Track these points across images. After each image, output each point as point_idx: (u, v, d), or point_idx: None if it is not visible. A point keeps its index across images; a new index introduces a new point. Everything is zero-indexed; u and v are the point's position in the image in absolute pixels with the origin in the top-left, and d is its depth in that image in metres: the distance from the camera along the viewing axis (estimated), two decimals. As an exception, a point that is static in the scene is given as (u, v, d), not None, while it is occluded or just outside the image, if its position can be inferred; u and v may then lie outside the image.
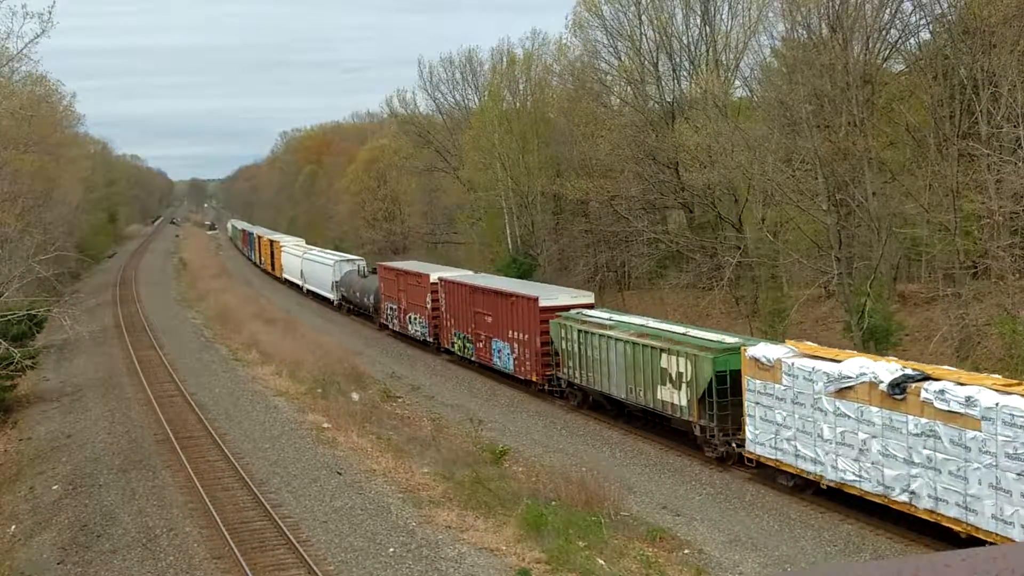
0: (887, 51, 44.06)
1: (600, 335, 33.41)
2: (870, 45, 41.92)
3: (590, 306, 37.79)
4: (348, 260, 68.43)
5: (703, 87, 50.65)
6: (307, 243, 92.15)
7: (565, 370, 36.04)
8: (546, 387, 38.03)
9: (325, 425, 32.69)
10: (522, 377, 39.72)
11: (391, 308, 55.25)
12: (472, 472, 26.69)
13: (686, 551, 22.31)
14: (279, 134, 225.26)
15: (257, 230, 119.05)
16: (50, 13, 35.68)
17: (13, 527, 25.95)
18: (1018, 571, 1.95)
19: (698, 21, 55.76)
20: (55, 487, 28.51)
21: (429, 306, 49.29)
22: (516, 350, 39.58)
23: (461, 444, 31.84)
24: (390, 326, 55.91)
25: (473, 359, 44.39)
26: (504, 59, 70.29)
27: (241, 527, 23.28)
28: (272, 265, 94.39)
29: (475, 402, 40.03)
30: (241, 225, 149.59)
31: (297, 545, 21.67)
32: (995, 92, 35.31)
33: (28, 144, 53.58)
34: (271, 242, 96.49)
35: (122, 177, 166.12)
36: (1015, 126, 34.18)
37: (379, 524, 23.01)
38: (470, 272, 51.35)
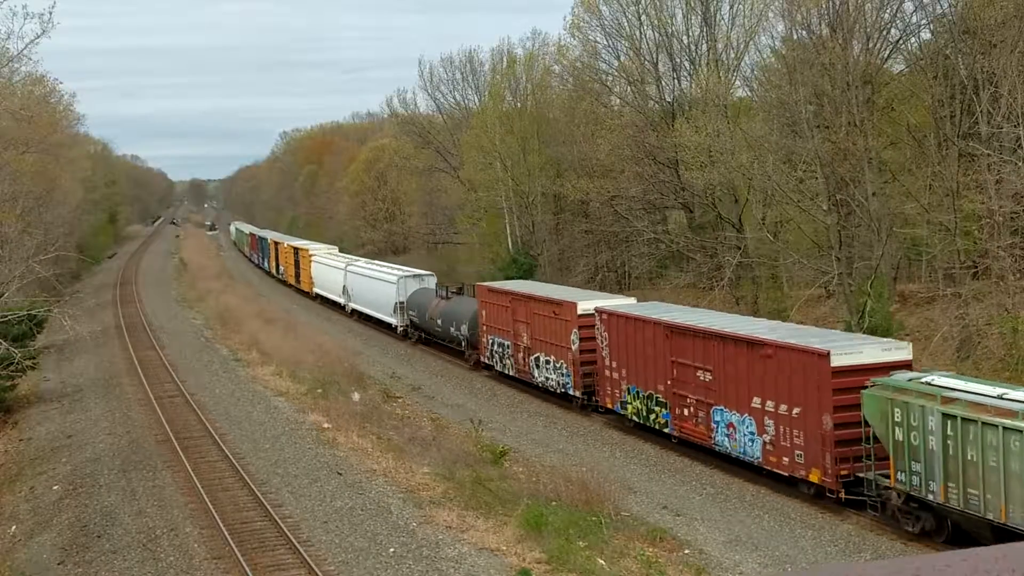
0: (887, 51, 44.07)
1: (1008, 427, 19.79)
2: (870, 45, 41.93)
3: (907, 365, 24.75)
4: (416, 276, 55.37)
5: (703, 87, 50.66)
6: (340, 250, 79.82)
7: (901, 476, 22.21)
8: (839, 495, 24.32)
9: (325, 425, 32.69)
10: (785, 474, 26.05)
11: (499, 344, 42.19)
12: (472, 472, 26.69)
13: (686, 551, 22.32)
14: (279, 134, 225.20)
15: (272, 235, 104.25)
16: (50, 14, 35.68)
17: (14, 527, 25.95)
18: (1018, 571, 1.95)
19: (698, 21, 55.78)
20: (55, 487, 28.51)
21: (576, 347, 36.10)
22: (774, 429, 26.15)
23: (461, 444, 31.84)
24: (496, 366, 42.73)
25: (674, 434, 30.89)
26: (504, 59, 70.39)
27: (241, 527, 23.28)
28: (297, 277, 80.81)
29: (475, 402, 40.03)
30: (247, 228, 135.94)
31: (297, 545, 21.67)
32: (995, 92, 35.31)
33: (28, 144, 53.57)
34: (295, 250, 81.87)
35: (122, 177, 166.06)
36: (1015, 126, 34.18)
37: (379, 524, 23.01)
38: (631, 300, 38.33)
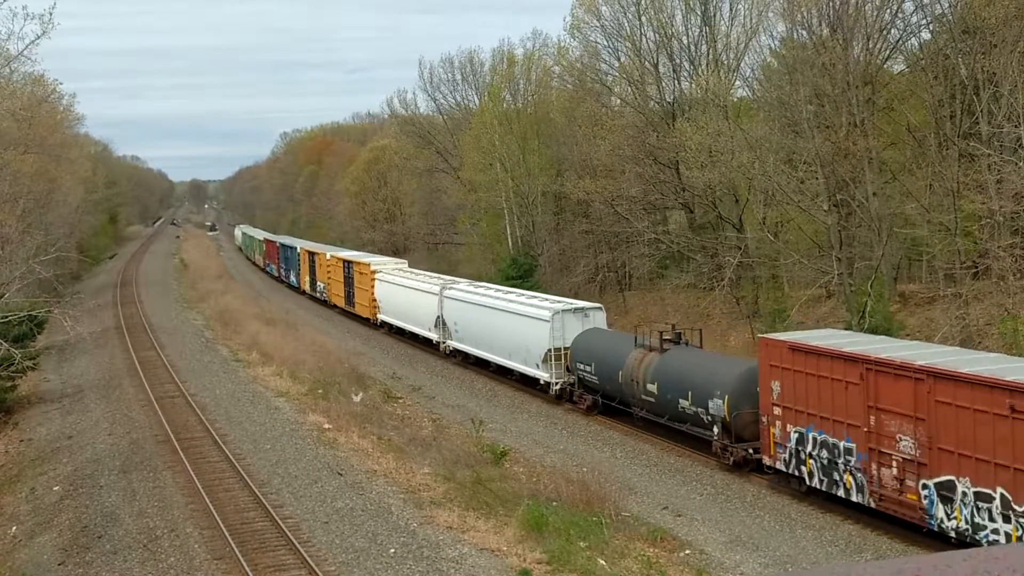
0: (888, 51, 44.07)
1: None
2: (871, 45, 41.93)
3: None
4: (577, 311, 38.85)
5: (704, 87, 50.66)
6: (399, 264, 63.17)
7: None
8: None
9: (326, 426, 32.69)
10: None
11: (820, 444, 25.02)
12: (473, 473, 26.69)
13: (687, 551, 22.31)
14: (280, 135, 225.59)
15: (303, 243, 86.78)
16: (51, 14, 35.75)
17: (14, 528, 25.96)
18: (1019, 571, 1.95)
19: (698, 21, 55.79)
20: (56, 488, 28.52)
21: None
22: None
23: (462, 445, 31.85)
24: (811, 480, 25.56)
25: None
26: (504, 60, 70.40)
27: (242, 528, 23.29)
28: (349, 298, 64.72)
29: (476, 403, 40.03)
30: (260, 233, 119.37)
31: (298, 546, 21.67)
32: (996, 92, 35.31)
33: (29, 145, 53.58)
34: (347, 263, 64.98)
35: (123, 178, 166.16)
36: (1016, 126, 34.17)
37: (380, 525, 23.01)
38: None
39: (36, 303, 42.98)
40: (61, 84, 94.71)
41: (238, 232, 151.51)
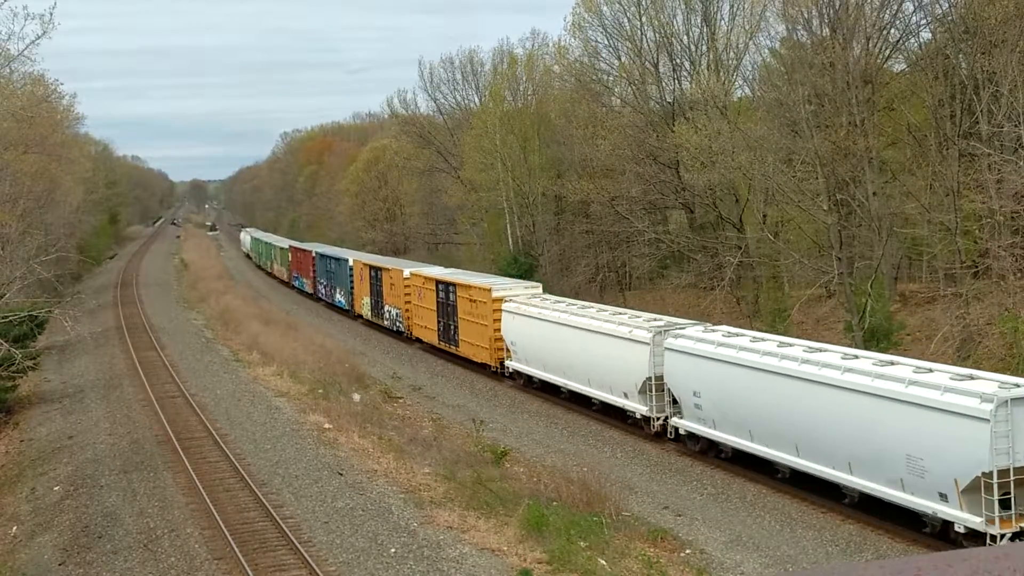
0: (888, 51, 44.08)
1: None
2: (870, 45, 41.94)
3: None
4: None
5: (704, 88, 50.67)
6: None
7: None
8: None
9: (326, 426, 32.69)
10: None
11: None
12: (473, 473, 26.69)
13: (688, 551, 22.31)
14: (280, 135, 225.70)
15: (357, 255, 70.29)
16: (51, 15, 35.75)
17: (15, 528, 25.96)
18: (1020, 571, 1.95)
19: (698, 21, 55.82)
20: (56, 488, 28.52)
21: None
22: None
23: (462, 445, 31.85)
24: None
25: None
26: (505, 60, 70.46)
27: (243, 528, 23.28)
28: (449, 333, 48.19)
29: (476, 402, 40.03)
30: (281, 241, 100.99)
31: (298, 546, 21.67)
32: (996, 91, 35.31)
33: (29, 145, 53.60)
34: (445, 287, 48.45)
35: (123, 178, 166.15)
36: (1016, 125, 34.17)
37: (380, 525, 23.01)
38: None
39: (37, 303, 43.00)
40: (61, 84, 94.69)
41: (245, 237, 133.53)
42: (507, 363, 42.21)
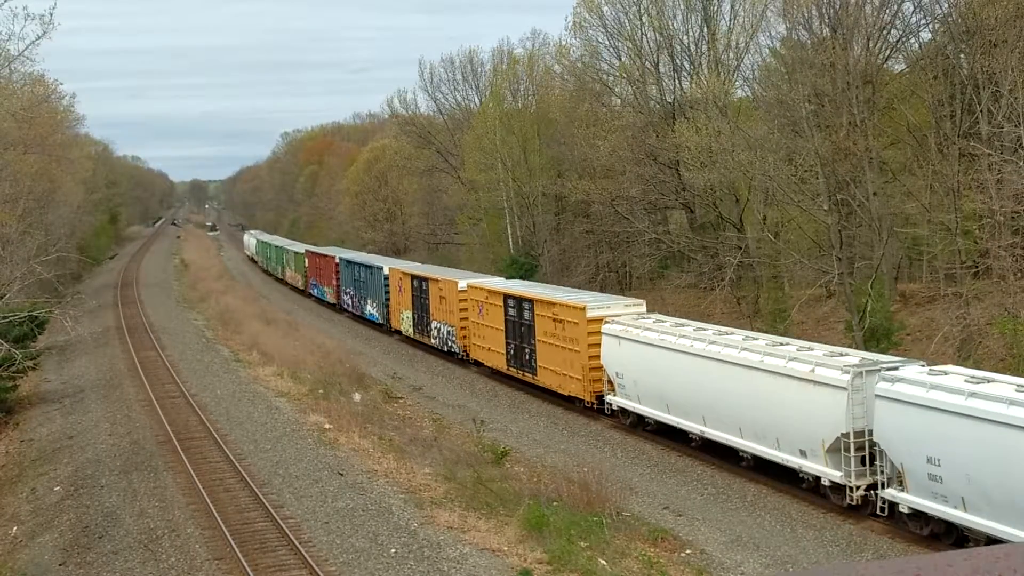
0: (888, 51, 44.07)
1: None
2: (870, 45, 41.94)
3: None
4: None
5: (704, 88, 50.67)
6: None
7: None
8: None
9: (327, 426, 32.69)
10: None
11: None
12: (474, 473, 26.69)
13: (688, 552, 22.31)
14: (280, 135, 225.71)
15: (394, 263, 62.45)
16: (51, 15, 35.73)
17: (15, 528, 25.96)
18: (1020, 571, 1.96)
19: (699, 21, 55.82)
20: (57, 488, 28.52)
21: None
22: None
23: (463, 445, 31.84)
24: None
25: None
26: (505, 59, 70.49)
27: (243, 528, 23.29)
28: (518, 357, 40.66)
29: (477, 402, 40.02)
30: (296, 245, 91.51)
31: (299, 546, 21.67)
32: (996, 91, 35.30)
33: (29, 145, 53.60)
34: (517, 302, 40.75)
35: (123, 178, 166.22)
36: (1016, 125, 34.16)
37: (381, 525, 23.01)
38: None
39: (37, 303, 42.98)
40: (61, 84, 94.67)
41: (249, 239, 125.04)
42: (608, 398, 34.38)
